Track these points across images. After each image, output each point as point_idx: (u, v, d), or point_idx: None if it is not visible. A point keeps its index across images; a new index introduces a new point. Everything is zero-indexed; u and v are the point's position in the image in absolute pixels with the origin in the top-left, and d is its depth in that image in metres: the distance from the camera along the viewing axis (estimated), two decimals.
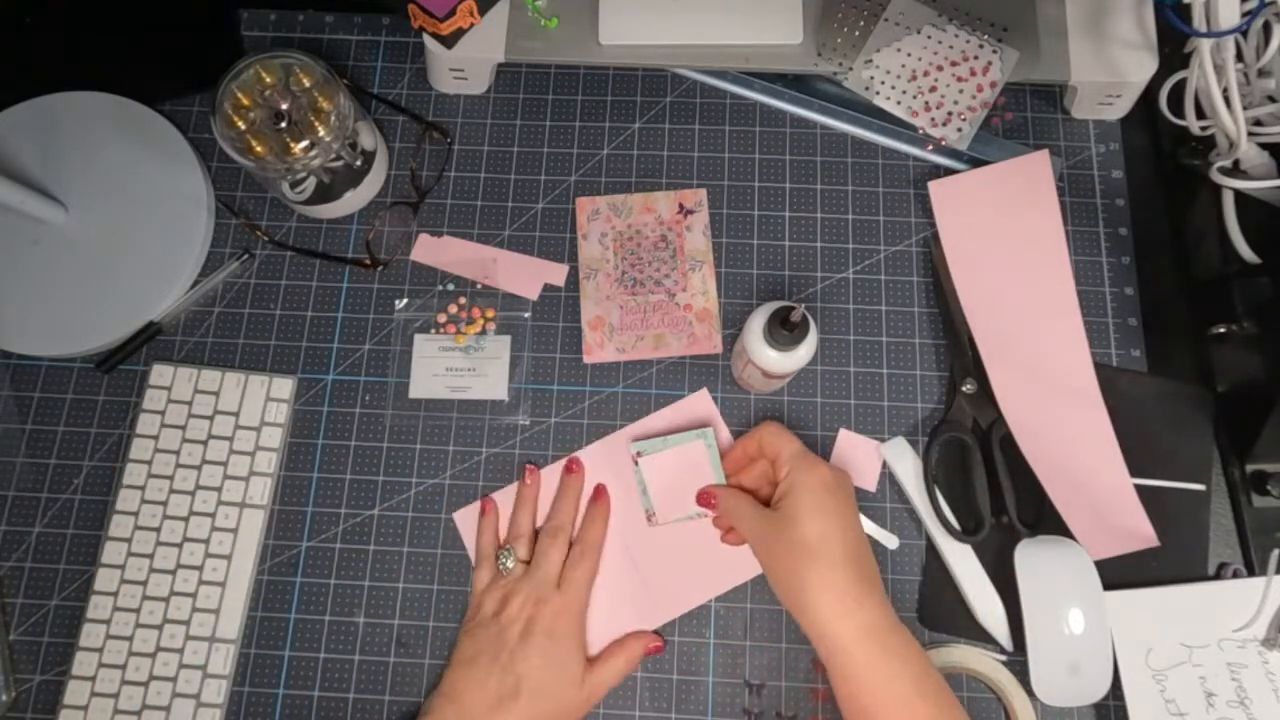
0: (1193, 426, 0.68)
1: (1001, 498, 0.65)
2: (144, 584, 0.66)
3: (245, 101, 0.67)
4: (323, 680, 0.66)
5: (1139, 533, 0.65)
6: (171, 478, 0.68)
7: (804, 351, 0.61)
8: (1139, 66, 0.71)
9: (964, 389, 0.68)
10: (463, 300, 0.73)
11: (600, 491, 0.68)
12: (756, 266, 0.73)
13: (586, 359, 0.71)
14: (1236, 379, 0.68)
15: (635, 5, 0.73)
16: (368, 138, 0.72)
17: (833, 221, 0.74)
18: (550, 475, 0.69)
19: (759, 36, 0.73)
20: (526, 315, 0.72)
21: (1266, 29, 0.62)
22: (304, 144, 0.66)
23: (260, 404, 0.70)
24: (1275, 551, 0.64)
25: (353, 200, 0.74)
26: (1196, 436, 0.68)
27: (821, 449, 0.69)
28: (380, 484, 0.69)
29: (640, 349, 0.71)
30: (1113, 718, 0.64)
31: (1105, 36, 0.71)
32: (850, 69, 0.73)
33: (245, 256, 0.74)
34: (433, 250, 0.74)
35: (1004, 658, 0.64)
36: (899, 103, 0.73)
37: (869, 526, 0.67)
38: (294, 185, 0.71)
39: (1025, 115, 0.76)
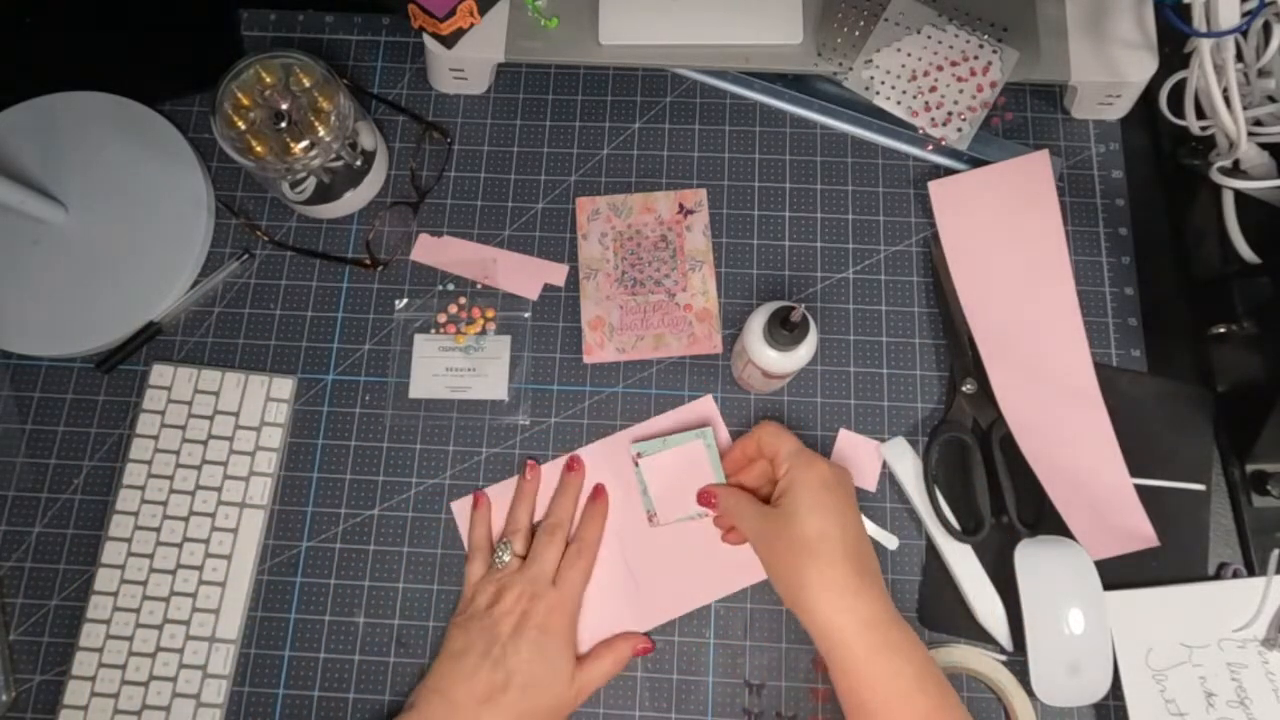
0: (1193, 426, 0.68)
1: (1001, 498, 0.65)
2: (144, 584, 0.66)
3: (245, 101, 0.67)
4: (323, 680, 0.66)
5: (1139, 533, 0.65)
6: (171, 478, 0.68)
7: (804, 351, 0.61)
8: (1139, 66, 0.71)
9: (964, 389, 0.68)
10: (463, 300, 0.73)
11: (599, 491, 0.68)
12: (756, 266, 0.73)
13: (586, 359, 0.71)
14: (1236, 379, 0.68)
15: (635, 5, 0.73)
16: (368, 138, 0.72)
17: (833, 221, 0.74)
18: (550, 472, 0.69)
19: (759, 36, 0.73)
20: (526, 315, 0.72)
21: (1266, 29, 0.62)
22: (304, 144, 0.66)
23: (260, 404, 0.70)
24: (1275, 551, 0.64)
25: (353, 200, 0.74)
26: (1196, 436, 0.68)
27: (821, 449, 0.69)
28: (380, 484, 0.69)
29: (640, 349, 0.71)
30: (1113, 718, 0.64)
31: (1105, 36, 0.71)
32: (850, 69, 0.73)
33: (245, 256, 0.74)
34: (433, 250, 0.74)
35: (1004, 658, 0.64)
36: (899, 103, 0.73)
37: (869, 527, 0.67)
38: (294, 185, 0.71)
39: (1025, 115, 0.76)
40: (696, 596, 0.66)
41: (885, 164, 0.75)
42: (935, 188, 0.72)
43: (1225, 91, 0.63)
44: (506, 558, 0.64)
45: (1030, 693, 0.62)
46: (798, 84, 0.76)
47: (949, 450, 0.68)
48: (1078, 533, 0.64)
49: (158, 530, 0.67)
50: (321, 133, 0.66)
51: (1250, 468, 0.67)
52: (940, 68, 0.73)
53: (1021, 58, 0.72)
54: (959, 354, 0.69)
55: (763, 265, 0.73)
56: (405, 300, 0.73)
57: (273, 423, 0.70)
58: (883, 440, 0.69)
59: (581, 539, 0.66)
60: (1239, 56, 0.64)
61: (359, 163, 0.72)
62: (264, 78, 0.67)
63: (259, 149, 0.66)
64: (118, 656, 0.65)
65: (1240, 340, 0.67)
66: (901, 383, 0.70)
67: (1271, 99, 0.65)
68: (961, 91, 0.73)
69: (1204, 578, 0.66)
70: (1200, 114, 0.69)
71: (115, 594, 0.66)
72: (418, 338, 0.72)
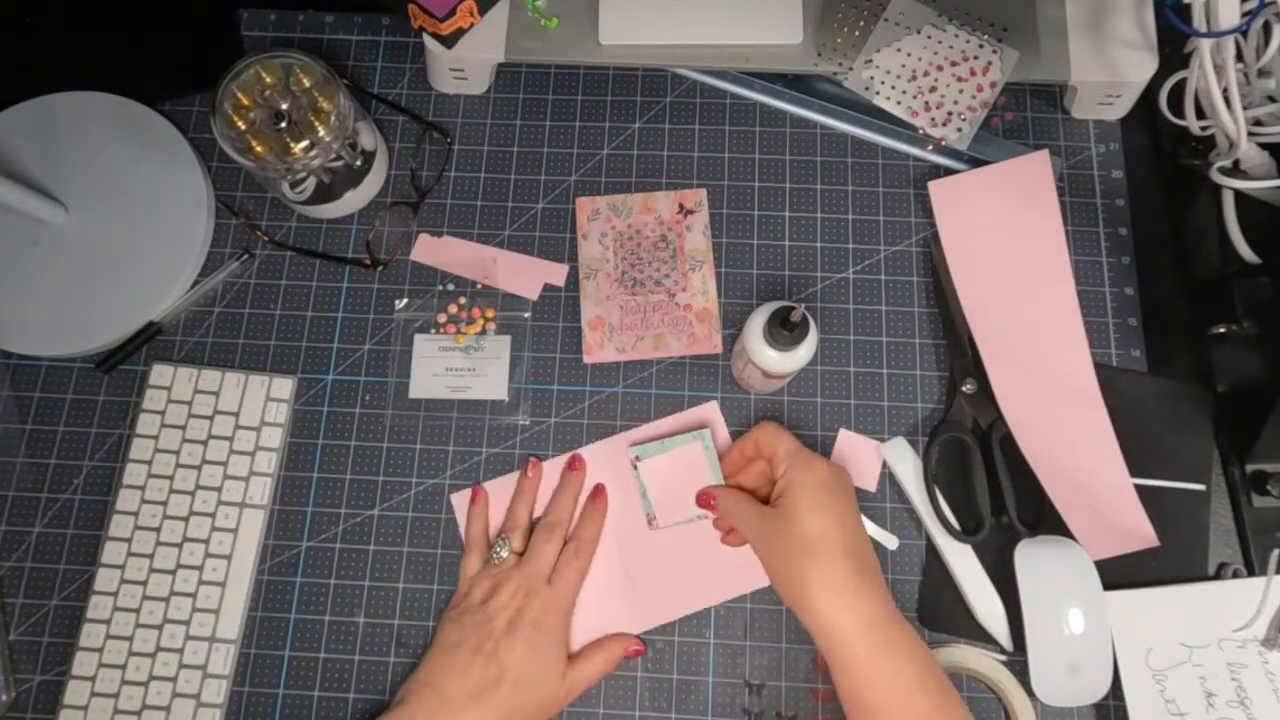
0: (1193, 426, 0.68)
1: (1001, 498, 0.65)
2: (144, 584, 0.66)
3: (245, 101, 0.67)
4: (323, 680, 0.66)
5: (1139, 533, 0.65)
6: (171, 478, 0.68)
7: (804, 351, 0.61)
8: (1139, 66, 0.71)
9: (964, 389, 0.68)
10: (463, 300, 0.73)
11: (599, 490, 0.68)
12: (756, 266, 0.73)
13: (586, 359, 0.71)
14: (1236, 379, 0.68)
15: (635, 5, 0.73)
16: (368, 138, 0.72)
17: (833, 221, 0.74)
18: (551, 469, 0.69)
19: (759, 36, 0.73)
20: (526, 315, 0.72)
21: (1266, 29, 0.62)
22: (304, 144, 0.66)
23: (260, 404, 0.70)
24: (1275, 551, 0.64)
25: (353, 200, 0.74)
26: (1196, 436, 0.68)
27: (821, 449, 0.69)
28: (380, 484, 0.69)
29: (640, 349, 0.71)
30: (1113, 718, 0.64)
31: (1105, 36, 0.71)
32: (850, 69, 0.73)
33: (245, 256, 0.74)
34: (433, 250, 0.74)
35: (1004, 658, 0.64)
36: (899, 103, 0.73)
37: (869, 527, 0.67)
38: (294, 185, 0.71)
39: (1025, 115, 0.76)
40: (694, 601, 0.66)
41: (885, 164, 0.75)
42: (935, 188, 0.72)
43: (1225, 91, 0.63)
44: (504, 553, 0.64)
45: (1030, 693, 0.62)
46: (798, 84, 0.76)
47: (949, 450, 0.68)
48: (1078, 533, 0.64)
49: (158, 530, 0.67)
50: (321, 133, 0.66)
51: (1250, 468, 0.67)
52: (940, 68, 0.73)
53: (1021, 58, 0.72)
54: (959, 354, 0.69)
55: (763, 265, 0.73)
56: (405, 300, 0.73)
57: (273, 423, 0.70)
58: (883, 440, 0.69)
59: (579, 538, 0.66)
60: (1239, 56, 0.64)
61: (359, 163, 0.72)
62: (264, 78, 0.67)
63: (259, 149, 0.66)
64: (118, 656, 0.65)
65: (1240, 340, 0.67)
66: (901, 383, 0.70)
67: (1271, 99, 0.65)
68: (961, 91, 0.73)
69: (1204, 578, 0.66)
70: (1200, 114, 0.69)
71: (115, 594, 0.66)
72: (418, 338, 0.72)
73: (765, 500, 0.61)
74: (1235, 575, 0.65)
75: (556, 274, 0.73)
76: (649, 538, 0.67)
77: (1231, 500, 0.67)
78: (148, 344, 0.72)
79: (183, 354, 0.72)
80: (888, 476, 0.68)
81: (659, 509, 0.66)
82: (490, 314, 0.72)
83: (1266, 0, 0.58)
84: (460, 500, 0.68)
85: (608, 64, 0.77)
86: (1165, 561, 0.65)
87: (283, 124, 0.66)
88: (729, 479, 0.65)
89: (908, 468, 0.67)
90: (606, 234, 0.73)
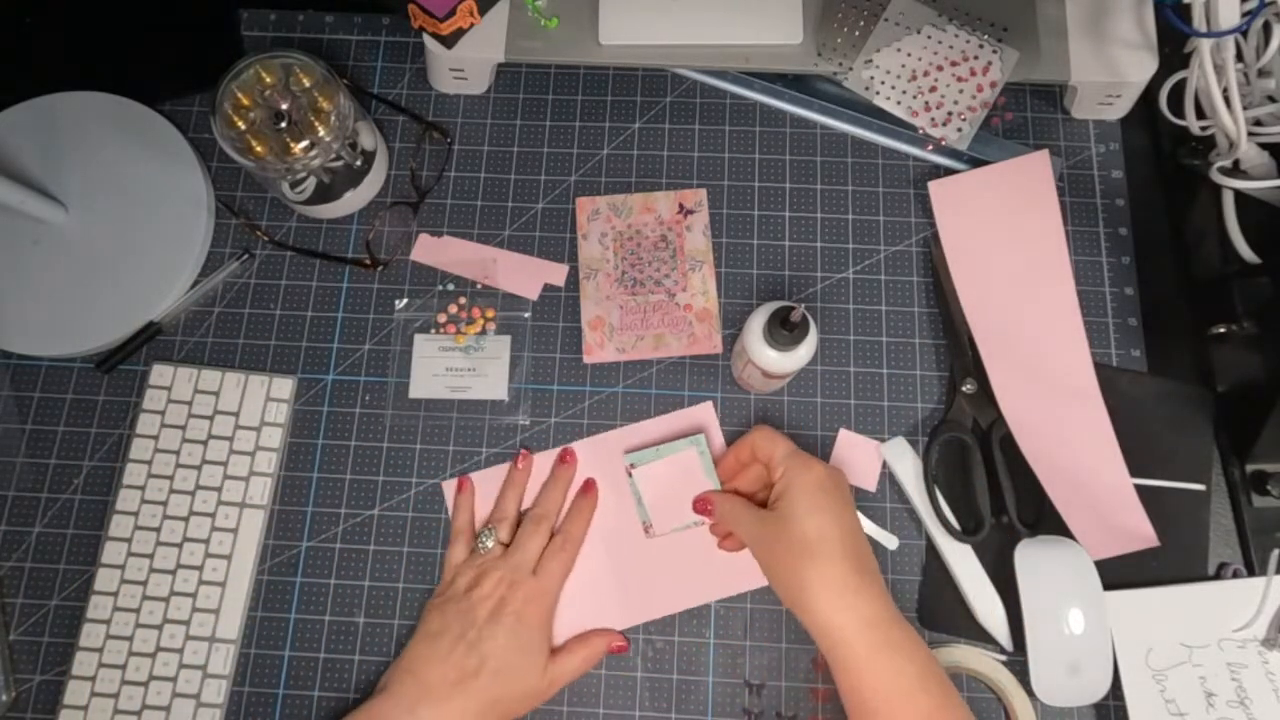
0: (1193, 426, 0.68)
1: (1001, 498, 0.65)
2: (144, 584, 0.66)
3: (245, 101, 0.67)
4: (323, 680, 0.66)
5: (1139, 533, 0.65)
6: (171, 478, 0.68)
7: (804, 351, 0.61)
8: (1139, 66, 0.71)
9: (964, 389, 0.68)
10: (463, 300, 0.73)
11: (589, 485, 0.68)
12: (756, 266, 0.73)
13: (586, 359, 0.71)
14: (1236, 379, 0.68)
15: (635, 5, 0.73)
16: (368, 138, 0.72)
17: (833, 221, 0.74)
18: (542, 462, 0.69)
19: (759, 36, 0.73)
20: (526, 315, 0.72)
21: (1266, 29, 0.62)
22: (304, 144, 0.66)
23: (260, 404, 0.70)
24: (1275, 551, 0.64)
25: (353, 200, 0.74)
26: (1196, 436, 0.68)
27: (821, 449, 0.69)
28: (380, 484, 0.69)
29: (640, 349, 0.71)
30: (1113, 718, 0.64)
31: (1105, 36, 0.71)
32: (850, 69, 0.73)
33: (245, 256, 0.74)
34: (433, 250, 0.74)
35: (1004, 658, 0.64)
36: (899, 103, 0.73)
37: (869, 527, 0.67)
38: (294, 185, 0.71)
39: (1025, 115, 0.76)
40: (684, 599, 0.66)
41: (885, 164, 0.75)
42: (935, 188, 0.72)
43: (1225, 91, 0.63)
44: (490, 544, 0.65)
45: (1030, 693, 0.62)
46: (798, 84, 0.76)
47: (949, 450, 0.68)
48: (1078, 533, 0.64)
49: (158, 530, 0.67)
50: (321, 133, 0.66)
51: (1250, 468, 0.67)
52: (940, 68, 0.73)
53: (1021, 58, 0.72)
54: (959, 354, 0.69)
55: (763, 265, 0.73)
56: (405, 300, 0.73)
57: (273, 423, 0.70)
58: (883, 440, 0.69)
59: (567, 532, 0.66)
60: (1239, 56, 0.64)
61: (359, 163, 0.72)
62: (264, 78, 0.67)
63: (259, 149, 0.66)
64: (118, 656, 0.65)
65: (1240, 340, 0.67)
66: (901, 383, 0.70)
67: (1271, 99, 0.65)
68: (961, 91, 0.73)
69: (1204, 578, 0.66)
70: (1200, 114, 0.69)
71: (115, 594, 0.66)
72: (418, 338, 0.72)
73: (761, 504, 0.61)
74: (1235, 575, 0.65)
75: (556, 274, 0.73)
76: (645, 544, 0.66)
77: (1231, 500, 0.67)
78: (148, 344, 0.72)
79: (183, 354, 0.72)
80: (888, 476, 0.68)
81: (655, 516, 0.65)
82: (490, 314, 0.72)
83: (1266, 0, 0.58)
84: (449, 487, 0.69)
85: (608, 64, 0.77)
86: (1165, 561, 0.65)
87: (283, 124, 0.66)
88: (724, 484, 0.65)
89: (908, 468, 0.67)
90: (606, 234, 0.73)
